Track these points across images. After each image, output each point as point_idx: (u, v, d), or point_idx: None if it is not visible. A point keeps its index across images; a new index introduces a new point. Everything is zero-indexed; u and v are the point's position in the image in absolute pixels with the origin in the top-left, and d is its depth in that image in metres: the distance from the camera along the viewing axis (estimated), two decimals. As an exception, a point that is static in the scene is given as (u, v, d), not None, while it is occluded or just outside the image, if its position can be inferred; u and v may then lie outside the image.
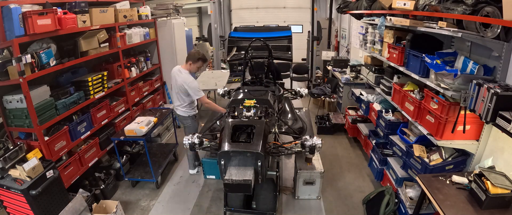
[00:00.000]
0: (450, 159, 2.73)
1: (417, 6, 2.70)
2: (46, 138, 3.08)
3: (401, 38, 3.37)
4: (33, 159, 2.79)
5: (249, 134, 2.71)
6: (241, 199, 3.25)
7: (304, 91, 4.47)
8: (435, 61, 2.59)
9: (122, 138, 3.61)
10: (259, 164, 2.40)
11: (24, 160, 2.81)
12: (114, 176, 3.88)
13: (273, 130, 3.00)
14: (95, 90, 3.75)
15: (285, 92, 4.24)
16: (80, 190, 3.37)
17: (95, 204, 3.18)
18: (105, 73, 3.90)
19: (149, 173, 3.86)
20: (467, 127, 2.44)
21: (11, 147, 2.95)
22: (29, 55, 2.77)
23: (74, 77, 3.71)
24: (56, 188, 2.95)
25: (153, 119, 3.88)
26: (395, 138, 3.44)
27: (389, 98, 3.68)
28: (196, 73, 3.76)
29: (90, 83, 3.64)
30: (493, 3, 1.91)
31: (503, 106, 1.93)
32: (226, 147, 2.45)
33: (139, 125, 3.62)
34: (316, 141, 2.75)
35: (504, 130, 1.89)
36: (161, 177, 4.07)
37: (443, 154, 2.78)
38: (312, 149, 2.75)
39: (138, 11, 4.68)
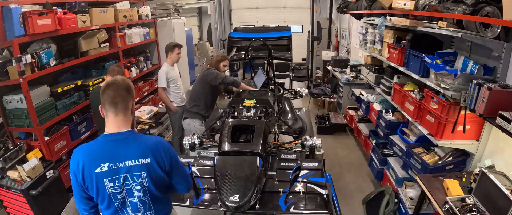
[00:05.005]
0: (450, 159, 2.73)
1: (417, 6, 2.70)
2: (46, 138, 3.07)
3: (401, 38, 3.37)
4: (33, 159, 2.79)
5: (249, 134, 2.71)
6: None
7: (304, 91, 4.47)
8: (435, 61, 2.59)
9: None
10: None
11: (24, 160, 2.80)
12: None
13: (273, 130, 3.00)
14: (95, 90, 3.75)
15: (285, 92, 4.24)
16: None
17: None
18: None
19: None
20: (467, 127, 2.43)
21: (11, 147, 2.94)
22: (29, 55, 2.77)
23: (74, 77, 3.71)
24: (56, 188, 2.95)
25: (154, 108, 4.24)
26: (395, 138, 3.44)
27: (389, 98, 3.68)
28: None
29: (90, 83, 3.63)
30: (493, 3, 1.91)
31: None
32: (226, 147, 2.45)
33: (141, 113, 3.90)
34: (316, 141, 2.74)
35: (504, 130, 1.89)
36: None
37: (443, 154, 2.78)
38: (312, 149, 2.74)
39: (138, 11, 4.67)
